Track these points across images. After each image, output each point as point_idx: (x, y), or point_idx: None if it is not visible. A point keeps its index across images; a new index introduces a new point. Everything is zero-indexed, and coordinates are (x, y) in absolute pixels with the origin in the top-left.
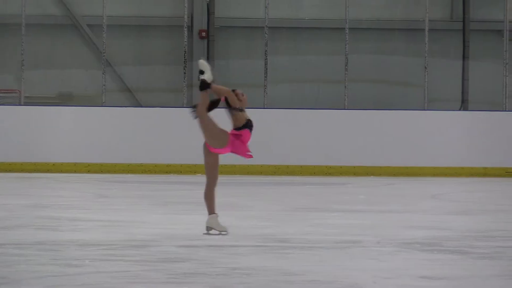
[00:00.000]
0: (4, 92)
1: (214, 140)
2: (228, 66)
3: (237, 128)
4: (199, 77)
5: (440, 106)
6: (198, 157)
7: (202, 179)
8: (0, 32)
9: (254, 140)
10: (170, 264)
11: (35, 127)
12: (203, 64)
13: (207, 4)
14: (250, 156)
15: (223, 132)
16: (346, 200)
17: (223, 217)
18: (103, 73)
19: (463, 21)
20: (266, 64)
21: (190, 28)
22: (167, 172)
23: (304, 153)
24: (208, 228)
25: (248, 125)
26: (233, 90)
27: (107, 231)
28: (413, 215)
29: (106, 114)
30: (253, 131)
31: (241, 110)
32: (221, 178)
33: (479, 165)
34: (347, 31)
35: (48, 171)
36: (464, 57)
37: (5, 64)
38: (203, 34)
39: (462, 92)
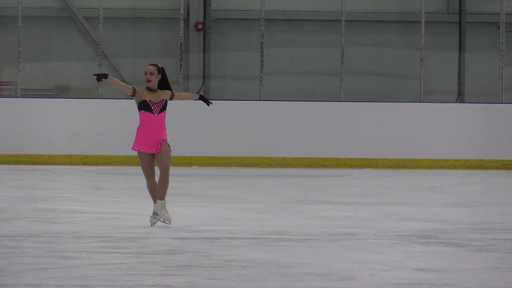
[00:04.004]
0: (0, 84)
1: None
2: (224, 58)
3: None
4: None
5: (436, 98)
6: (194, 149)
7: (198, 171)
8: None
9: (251, 133)
10: (166, 256)
11: (31, 119)
12: None
13: None
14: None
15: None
16: (342, 193)
17: (220, 209)
18: (99, 65)
19: (459, 13)
20: (262, 56)
21: (186, 20)
22: None
23: (300, 146)
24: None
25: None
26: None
27: (103, 223)
28: (409, 208)
29: (102, 106)
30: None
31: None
32: (216, 171)
33: (475, 158)
34: (343, 23)
35: (44, 163)
36: (461, 49)
37: (2, 56)
38: (199, 26)
39: (459, 85)
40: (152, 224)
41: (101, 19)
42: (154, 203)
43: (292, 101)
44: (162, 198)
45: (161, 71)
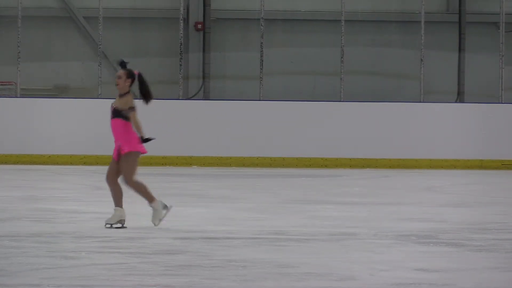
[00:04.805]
0: (0, 84)
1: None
2: (224, 58)
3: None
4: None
5: (436, 98)
6: (194, 149)
7: (198, 171)
8: None
9: (251, 133)
10: (166, 256)
11: (31, 119)
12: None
13: None
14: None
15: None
16: (342, 193)
17: (220, 209)
18: (99, 65)
19: (459, 13)
20: (262, 56)
21: (186, 20)
22: (163, 164)
23: (300, 146)
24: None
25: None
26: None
27: (103, 223)
28: (409, 208)
29: (102, 106)
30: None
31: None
32: (216, 171)
33: (475, 158)
34: (343, 23)
35: (44, 163)
36: (460, 49)
37: (1, 56)
38: (199, 26)
39: (458, 84)
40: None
41: (101, 19)
42: (116, 206)
43: (292, 101)
44: (150, 201)
45: (133, 76)
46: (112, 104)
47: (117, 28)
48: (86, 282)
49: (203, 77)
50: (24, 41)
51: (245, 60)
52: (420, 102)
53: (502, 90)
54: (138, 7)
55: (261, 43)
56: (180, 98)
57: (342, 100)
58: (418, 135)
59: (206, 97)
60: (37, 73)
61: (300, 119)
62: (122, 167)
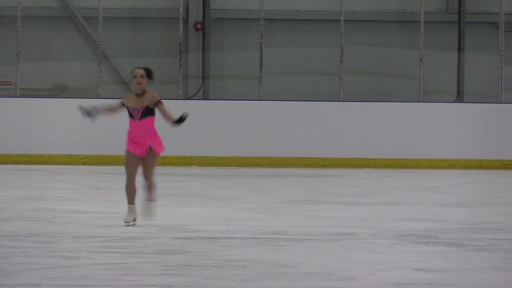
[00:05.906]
0: (0, 84)
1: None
2: (224, 58)
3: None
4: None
5: (435, 98)
6: (193, 149)
7: (197, 171)
8: None
9: (250, 132)
10: (165, 256)
11: (30, 119)
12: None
13: None
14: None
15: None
16: (341, 192)
17: (220, 209)
18: (98, 65)
19: (459, 13)
20: (261, 56)
21: (186, 20)
22: (162, 164)
23: (299, 145)
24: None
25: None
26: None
27: (102, 223)
28: (409, 207)
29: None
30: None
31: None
32: (216, 170)
33: (474, 157)
34: (342, 23)
35: (43, 163)
36: (460, 49)
37: (1, 56)
38: (199, 26)
39: (458, 84)
40: (129, 224)
41: (100, 19)
42: (129, 204)
43: (292, 101)
44: (153, 199)
45: (150, 73)
46: (128, 105)
47: (117, 28)
48: (85, 282)
49: (203, 77)
50: (24, 41)
51: (244, 60)
52: (420, 102)
53: (501, 90)
54: (138, 7)
55: (261, 43)
56: (180, 98)
57: (341, 100)
58: (417, 135)
59: (205, 97)
60: (37, 73)
61: (300, 119)
62: (151, 164)
